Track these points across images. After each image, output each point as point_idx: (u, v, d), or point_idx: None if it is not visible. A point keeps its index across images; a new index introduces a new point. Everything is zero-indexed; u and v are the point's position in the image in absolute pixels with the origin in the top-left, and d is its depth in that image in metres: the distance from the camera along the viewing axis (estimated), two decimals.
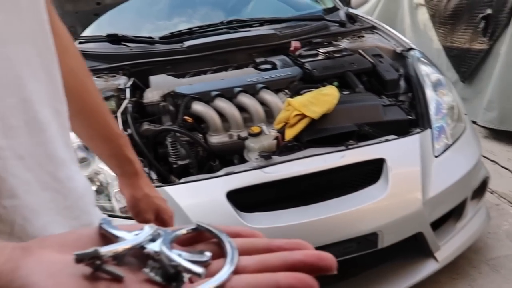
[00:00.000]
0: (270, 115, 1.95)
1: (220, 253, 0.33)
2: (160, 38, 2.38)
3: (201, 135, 1.91)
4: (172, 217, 0.89)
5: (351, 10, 2.79)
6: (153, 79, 2.11)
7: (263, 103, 1.96)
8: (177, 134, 1.83)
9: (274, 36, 2.36)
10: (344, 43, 2.39)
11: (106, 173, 1.64)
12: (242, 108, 1.94)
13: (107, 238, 0.33)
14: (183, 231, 0.35)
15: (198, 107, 1.90)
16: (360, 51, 2.29)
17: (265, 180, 1.62)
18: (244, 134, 1.87)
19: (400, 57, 2.26)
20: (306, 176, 1.63)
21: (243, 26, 2.51)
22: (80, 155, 1.63)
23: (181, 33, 2.42)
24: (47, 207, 0.53)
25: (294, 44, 2.32)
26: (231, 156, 1.88)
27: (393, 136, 1.80)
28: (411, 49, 2.28)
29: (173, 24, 2.65)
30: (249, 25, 2.53)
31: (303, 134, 1.77)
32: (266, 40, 2.35)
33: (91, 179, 1.63)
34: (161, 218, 0.87)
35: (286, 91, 2.07)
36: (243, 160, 1.81)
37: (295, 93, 2.02)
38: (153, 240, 0.32)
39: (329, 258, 0.30)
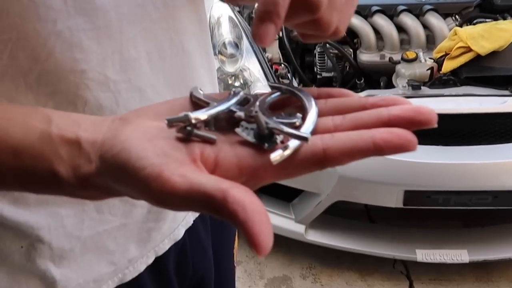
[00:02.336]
0: (431, 41, 1.79)
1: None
2: None
3: (351, 50, 1.84)
4: None
5: None
6: None
7: (426, 26, 1.80)
8: (327, 45, 1.78)
9: None
10: None
11: (251, 71, 1.67)
12: (401, 29, 1.80)
13: (199, 106, 0.33)
14: (273, 96, 0.34)
15: (353, 20, 1.80)
16: None
17: None
18: (397, 57, 1.75)
19: None
20: (455, 116, 1.49)
21: None
22: (229, 51, 1.67)
23: None
24: None
25: None
26: (378, 77, 1.80)
27: None
28: None
29: None
30: None
31: (462, 69, 1.60)
32: None
33: (236, 76, 1.67)
34: None
35: (457, 17, 1.86)
36: (389, 85, 1.71)
37: (467, 21, 1.81)
38: (242, 104, 0.33)
39: (428, 111, 0.28)
